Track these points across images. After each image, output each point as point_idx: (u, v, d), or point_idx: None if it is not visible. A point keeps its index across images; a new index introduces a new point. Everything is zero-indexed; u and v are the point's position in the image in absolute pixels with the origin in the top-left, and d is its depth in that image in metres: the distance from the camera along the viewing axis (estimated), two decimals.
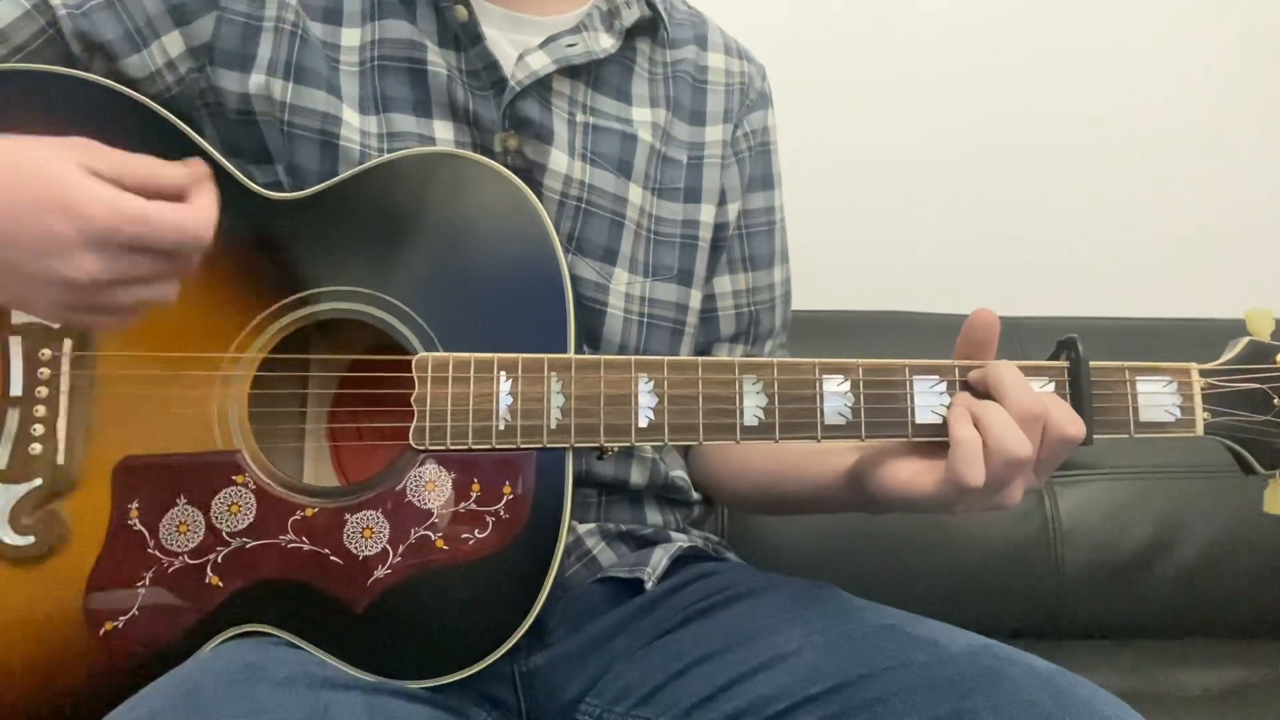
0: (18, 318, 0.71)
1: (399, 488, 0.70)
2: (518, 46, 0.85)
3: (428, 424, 0.70)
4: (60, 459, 0.71)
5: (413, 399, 0.71)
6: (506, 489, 0.70)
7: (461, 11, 0.82)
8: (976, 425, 0.68)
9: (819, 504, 0.86)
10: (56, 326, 0.71)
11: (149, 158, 0.63)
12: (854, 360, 0.72)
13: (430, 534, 0.70)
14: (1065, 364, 0.73)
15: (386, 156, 0.76)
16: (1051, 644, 1.22)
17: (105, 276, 0.59)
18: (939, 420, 0.71)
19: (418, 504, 0.70)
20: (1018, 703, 0.62)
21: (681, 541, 0.89)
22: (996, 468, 0.67)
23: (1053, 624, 1.27)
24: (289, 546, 0.70)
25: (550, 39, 0.85)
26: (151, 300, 0.64)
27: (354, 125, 0.80)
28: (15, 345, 0.71)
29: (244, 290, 0.73)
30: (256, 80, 0.79)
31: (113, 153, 0.62)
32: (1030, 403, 0.68)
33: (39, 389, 0.71)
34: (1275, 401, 0.74)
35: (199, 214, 0.62)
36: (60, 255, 0.58)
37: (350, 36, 0.83)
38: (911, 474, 0.71)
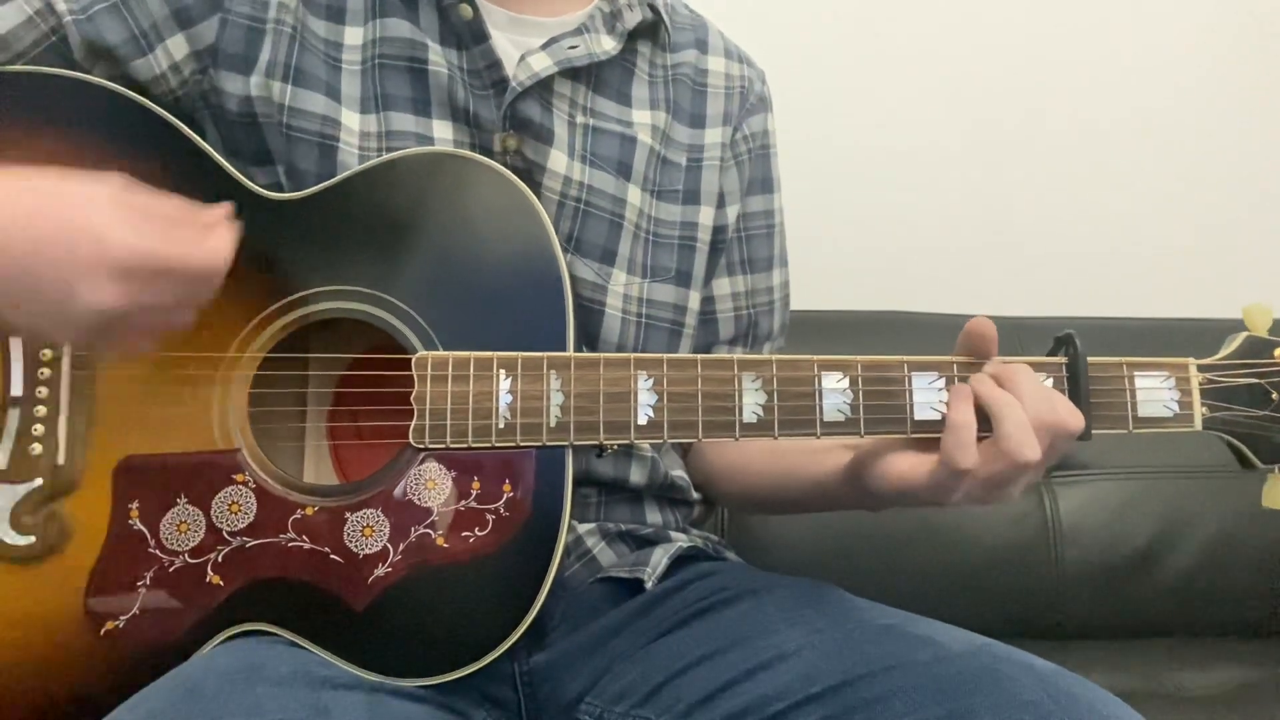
0: None
1: (399, 486, 0.70)
2: (520, 47, 0.85)
3: (427, 422, 0.70)
4: (61, 459, 0.71)
5: (412, 397, 0.71)
6: (506, 487, 0.71)
7: (466, 10, 0.82)
8: (991, 420, 0.68)
9: (817, 502, 0.86)
10: None
11: (179, 198, 0.65)
12: (853, 357, 0.72)
13: (430, 532, 0.70)
14: (1063, 359, 0.73)
15: (387, 156, 0.76)
16: (1051, 644, 1.22)
17: (125, 303, 0.60)
18: (938, 416, 0.71)
19: (418, 502, 0.70)
20: (1017, 703, 0.62)
21: (681, 541, 0.89)
22: (1005, 468, 0.67)
23: (1053, 624, 1.27)
24: (289, 545, 0.70)
25: (552, 40, 0.86)
26: (166, 328, 0.66)
27: (353, 128, 0.80)
28: (16, 345, 0.71)
29: (244, 290, 0.73)
30: (256, 82, 0.80)
31: (146, 189, 0.64)
32: (1044, 410, 0.68)
33: (39, 389, 0.71)
34: (1273, 396, 0.74)
35: (215, 250, 0.64)
36: (83, 280, 0.59)
37: (352, 35, 0.83)
38: (909, 465, 0.71)
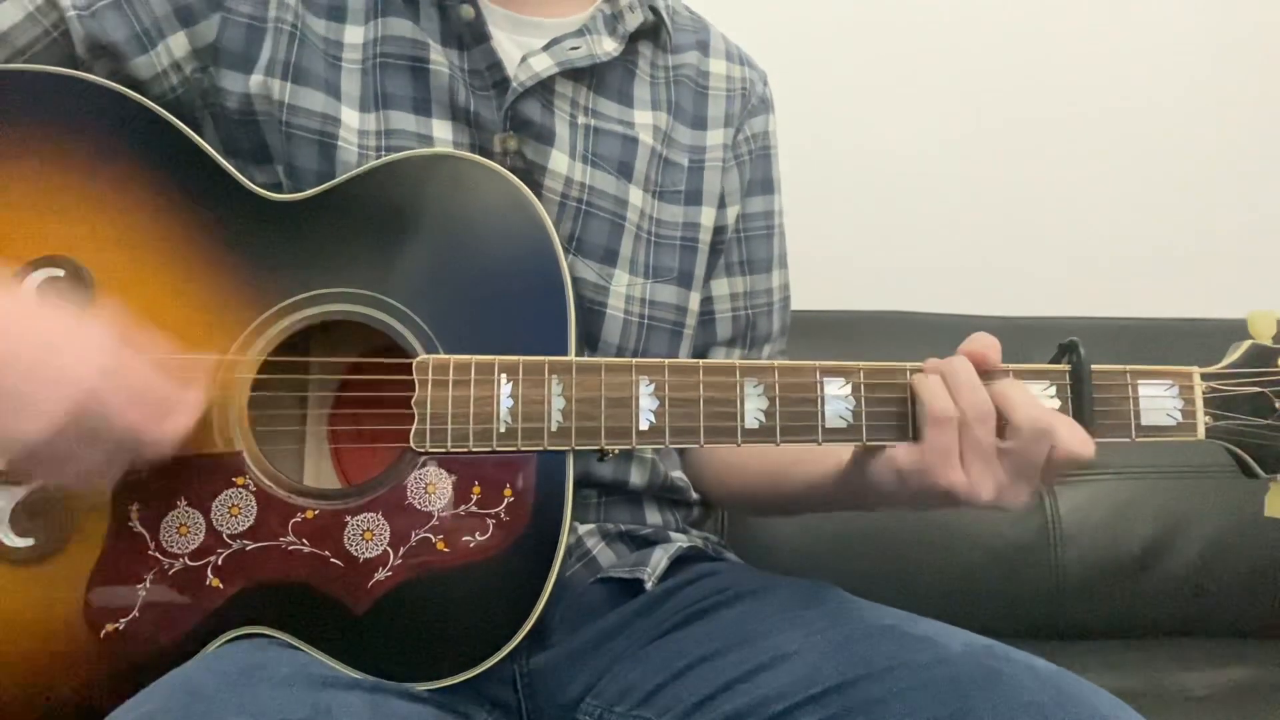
0: None
1: (400, 490, 0.70)
2: (521, 48, 0.85)
3: (428, 426, 0.70)
4: None
5: (413, 401, 0.71)
6: (507, 491, 0.70)
7: (468, 10, 0.82)
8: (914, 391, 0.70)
9: (813, 501, 0.86)
10: None
11: (161, 369, 0.66)
12: (855, 363, 0.72)
13: (431, 536, 0.70)
14: (1067, 367, 0.73)
15: (387, 158, 0.76)
16: (1051, 644, 1.22)
17: (56, 441, 0.60)
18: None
19: (418, 506, 0.70)
20: (1017, 703, 0.62)
21: (681, 542, 0.89)
22: (928, 427, 0.69)
23: (1053, 624, 1.27)
24: (289, 548, 0.70)
25: (554, 41, 0.85)
26: (84, 480, 0.67)
27: (353, 127, 0.80)
28: None
29: (244, 292, 0.73)
30: (256, 80, 0.79)
31: (135, 345, 0.65)
32: (1040, 415, 0.68)
33: None
34: (1277, 405, 0.73)
35: (166, 434, 0.65)
36: (29, 403, 0.60)
37: (353, 34, 0.83)
38: (906, 448, 0.71)
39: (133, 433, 0.63)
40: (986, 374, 0.70)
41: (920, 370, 0.71)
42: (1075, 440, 0.68)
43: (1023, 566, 1.27)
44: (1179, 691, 1.17)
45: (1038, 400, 0.70)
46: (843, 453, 0.77)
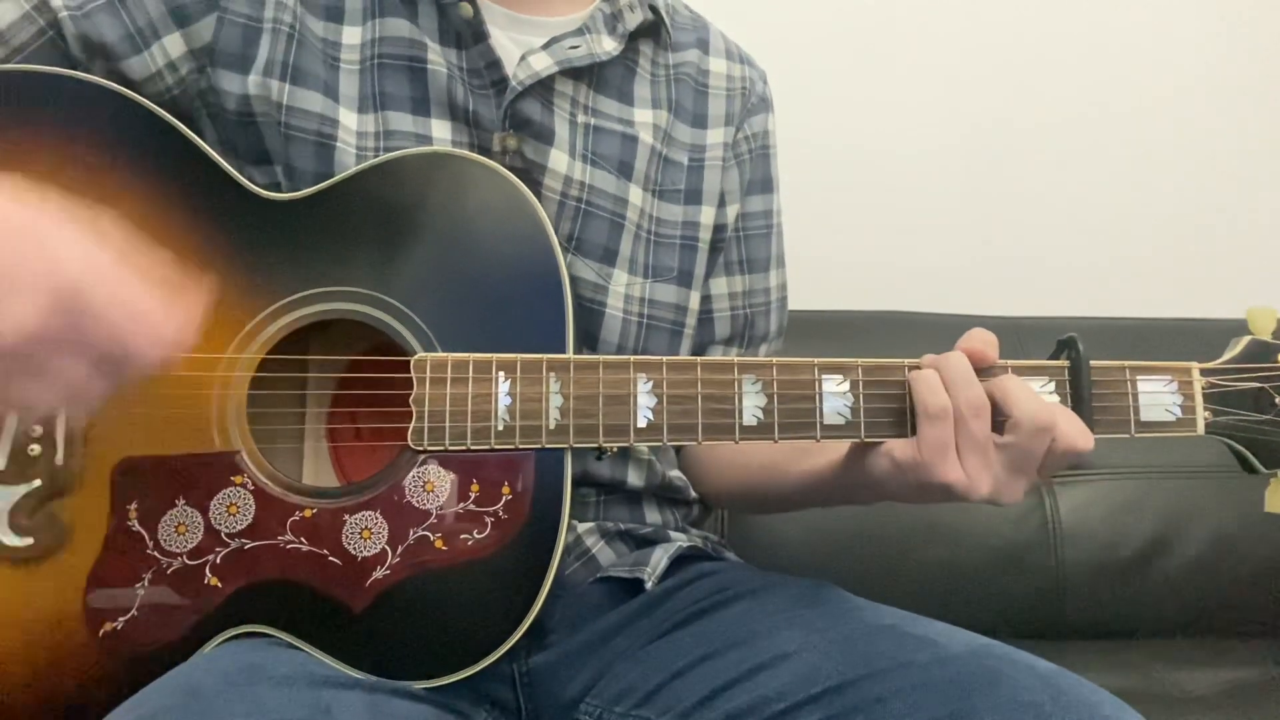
0: None
1: (398, 488, 0.70)
2: (521, 47, 0.85)
3: (426, 424, 0.70)
4: (59, 460, 0.70)
5: (411, 399, 0.70)
6: (505, 489, 0.70)
7: (467, 8, 0.82)
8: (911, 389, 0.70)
9: (810, 496, 0.86)
10: None
11: (155, 288, 0.59)
12: (853, 360, 0.72)
13: (429, 534, 0.70)
14: (1065, 363, 0.73)
15: (385, 156, 0.76)
16: (1051, 644, 1.22)
17: (40, 334, 0.54)
18: None
19: (417, 504, 0.70)
20: (1017, 703, 0.62)
21: (681, 541, 0.89)
22: (922, 423, 0.69)
23: (1053, 624, 1.27)
24: (288, 547, 0.70)
25: (553, 40, 0.85)
26: (55, 402, 0.57)
27: (351, 127, 0.80)
28: None
29: (242, 291, 0.73)
30: (254, 81, 0.79)
31: (139, 237, 0.59)
32: (1039, 408, 0.68)
33: None
34: (1277, 400, 0.73)
35: (167, 335, 0.58)
36: (11, 289, 0.53)
37: (351, 34, 0.83)
38: (903, 440, 0.71)
39: (119, 338, 0.56)
40: (985, 369, 0.70)
41: (917, 366, 0.71)
42: (1075, 433, 0.68)
43: (1023, 566, 1.27)
44: (1178, 691, 1.17)
45: (1037, 394, 0.70)
46: (840, 449, 0.77)
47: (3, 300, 0.53)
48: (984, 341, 0.71)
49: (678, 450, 0.97)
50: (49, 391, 0.57)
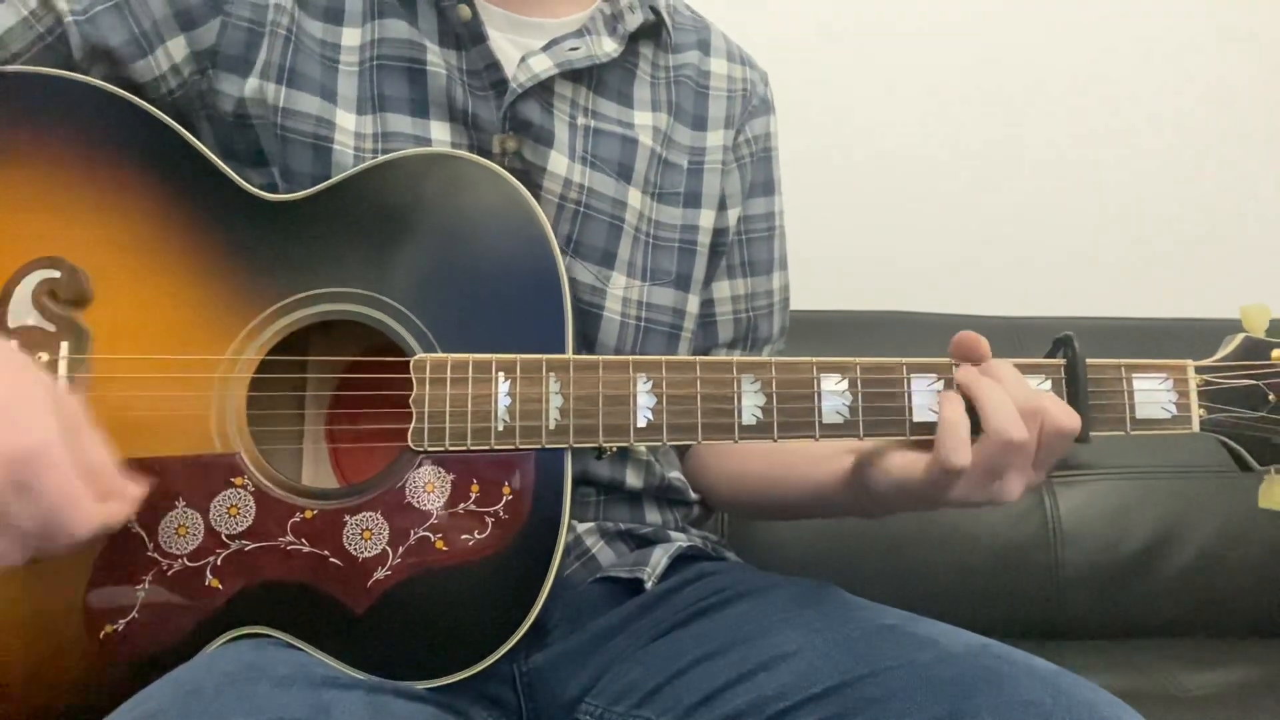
0: (14, 320, 0.71)
1: (398, 489, 0.70)
2: (520, 48, 0.85)
3: (426, 425, 0.70)
4: None
5: (411, 400, 0.71)
6: (505, 489, 0.70)
7: (465, 11, 0.82)
8: (975, 407, 0.68)
9: (815, 508, 0.86)
10: (52, 329, 0.71)
11: (113, 466, 0.63)
12: (852, 359, 0.72)
13: (430, 535, 0.70)
14: (1062, 361, 0.73)
15: (384, 157, 0.76)
16: (1051, 644, 1.22)
17: None
18: (937, 418, 0.71)
19: (417, 505, 0.70)
20: (1018, 703, 0.62)
21: (681, 541, 0.89)
22: (992, 450, 0.67)
23: (1053, 624, 1.27)
24: (288, 548, 0.70)
25: (553, 42, 0.85)
26: None
27: (348, 129, 0.80)
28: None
29: (241, 292, 0.73)
30: (251, 84, 0.79)
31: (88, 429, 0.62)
32: (1027, 395, 0.68)
33: None
34: (1270, 398, 0.73)
35: (95, 518, 0.61)
36: None
37: (350, 36, 0.83)
38: (905, 462, 0.71)
39: (67, 504, 0.59)
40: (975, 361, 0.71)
41: (949, 370, 0.71)
42: (1060, 413, 0.69)
43: (1023, 566, 1.27)
44: (1178, 691, 1.17)
45: (1025, 381, 0.70)
46: (843, 460, 0.77)
47: None
48: (973, 349, 0.72)
49: (680, 455, 0.97)
50: None
